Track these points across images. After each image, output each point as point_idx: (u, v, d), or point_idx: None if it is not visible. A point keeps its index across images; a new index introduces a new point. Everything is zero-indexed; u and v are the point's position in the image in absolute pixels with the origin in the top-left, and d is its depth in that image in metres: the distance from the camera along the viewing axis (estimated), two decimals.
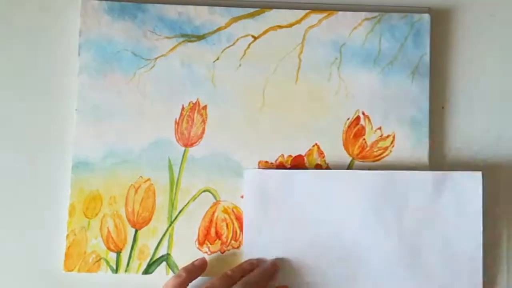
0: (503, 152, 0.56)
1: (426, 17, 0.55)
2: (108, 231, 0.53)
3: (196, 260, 0.52)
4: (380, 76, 0.55)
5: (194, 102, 0.54)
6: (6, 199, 0.54)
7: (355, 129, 0.54)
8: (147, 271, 0.52)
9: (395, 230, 0.53)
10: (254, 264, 0.51)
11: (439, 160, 0.55)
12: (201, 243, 0.53)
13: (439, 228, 0.53)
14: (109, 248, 0.53)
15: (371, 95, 0.55)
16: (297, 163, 0.54)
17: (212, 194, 0.53)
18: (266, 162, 0.54)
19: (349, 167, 0.54)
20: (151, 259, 0.53)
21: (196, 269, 0.51)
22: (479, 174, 0.53)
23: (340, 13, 0.55)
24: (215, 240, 0.53)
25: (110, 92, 0.54)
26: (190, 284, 0.50)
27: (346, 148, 0.54)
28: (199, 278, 0.51)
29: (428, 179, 0.53)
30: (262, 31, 0.55)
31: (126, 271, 0.52)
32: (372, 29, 0.55)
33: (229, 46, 0.55)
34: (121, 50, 0.54)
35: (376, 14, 0.55)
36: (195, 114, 0.54)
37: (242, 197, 0.53)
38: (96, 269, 0.52)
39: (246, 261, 0.52)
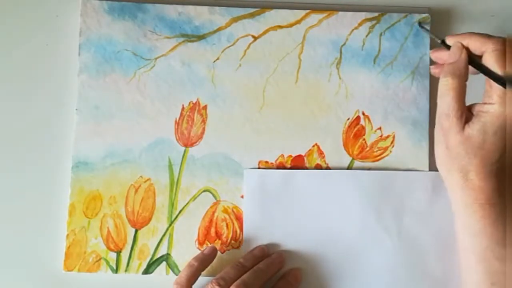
0: None
1: (426, 17, 0.55)
2: (108, 231, 0.53)
3: (205, 249, 0.52)
4: (380, 76, 0.55)
5: (194, 102, 0.54)
6: (6, 199, 0.54)
7: (355, 129, 0.54)
8: (147, 271, 0.53)
9: (395, 230, 0.53)
10: (265, 250, 0.52)
11: None
12: (201, 243, 0.53)
13: (439, 228, 0.53)
14: (109, 248, 0.53)
15: (371, 95, 0.55)
16: (297, 163, 0.54)
17: (212, 194, 0.53)
18: (266, 162, 0.54)
19: (349, 167, 0.54)
20: (151, 259, 0.53)
21: (207, 258, 0.51)
22: None
23: (340, 13, 0.55)
24: (215, 240, 0.53)
25: (110, 92, 0.54)
26: (197, 283, 0.50)
27: (346, 148, 0.54)
28: (201, 278, 0.51)
29: (428, 179, 0.53)
30: (262, 31, 0.55)
31: (126, 271, 0.52)
32: (372, 29, 0.55)
33: (229, 46, 0.55)
34: (121, 50, 0.54)
35: (376, 14, 0.55)
36: (195, 114, 0.54)
37: (242, 197, 0.53)
38: (96, 269, 0.52)
39: (256, 248, 0.52)
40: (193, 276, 0.49)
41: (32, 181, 0.54)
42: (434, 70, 0.52)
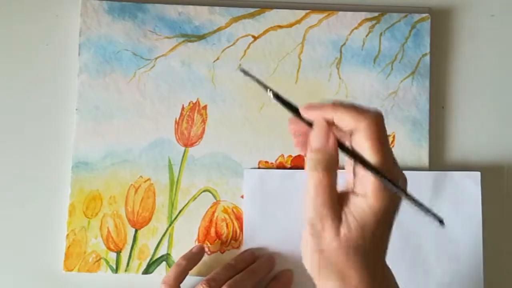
0: (502, 152, 0.56)
1: (426, 17, 0.55)
2: (108, 231, 0.53)
3: (193, 248, 0.52)
4: (380, 76, 0.55)
5: (194, 102, 0.54)
6: (6, 199, 0.54)
7: None
8: (147, 271, 0.53)
9: (395, 230, 0.53)
10: (255, 254, 0.52)
11: (439, 160, 0.55)
12: (201, 243, 0.53)
13: (439, 228, 0.53)
14: (109, 248, 0.53)
15: (371, 95, 0.55)
16: (297, 163, 0.54)
17: (212, 194, 0.53)
18: (266, 162, 0.54)
19: None
20: (151, 259, 0.53)
21: (195, 256, 0.51)
22: (477, 174, 0.53)
23: (340, 13, 0.55)
24: (215, 240, 0.53)
25: (110, 92, 0.54)
26: (188, 284, 0.50)
27: None
28: (194, 278, 0.51)
29: (428, 179, 0.53)
30: (262, 31, 0.55)
31: (126, 271, 0.52)
32: (372, 29, 0.55)
33: (229, 46, 0.55)
34: (121, 50, 0.54)
35: (376, 14, 0.55)
36: (195, 114, 0.54)
37: (242, 197, 0.53)
38: (96, 269, 0.52)
39: (247, 250, 0.52)
40: (181, 275, 0.49)
41: (32, 181, 0.54)
42: (298, 147, 0.41)
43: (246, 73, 0.40)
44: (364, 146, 0.36)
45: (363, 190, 0.37)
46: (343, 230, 0.38)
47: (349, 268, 0.38)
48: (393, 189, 0.36)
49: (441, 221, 0.37)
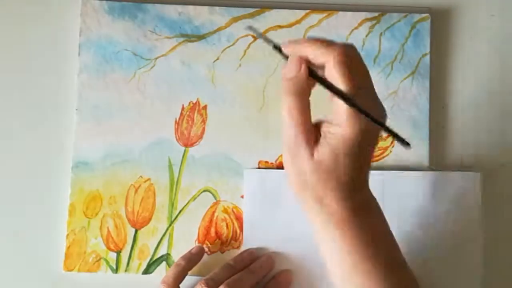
0: (502, 152, 0.56)
1: (426, 17, 0.55)
2: (108, 231, 0.53)
3: (193, 248, 0.52)
4: (380, 76, 0.55)
5: (194, 102, 0.54)
6: (6, 199, 0.54)
7: None
8: (147, 271, 0.53)
9: (395, 230, 0.53)
10: (254, 254, 0.52)
11: (439, 160, 0.55)
12: (201, 243, 0.53)
13: (439, 228, 0.53)
14: (109, 248, 0.53)
15: None
16: None
17: (212, 194, 0.53)
18: (266, 162, 0.54)
19: None
20: (151, 259, 0.53)
21: (194, 257, 0.51)
22: (478, 175, 0.53)
23: (340, 13, 0.55)
24: (215, 240, 0.53)
25: (110, 92, 0.54)
26: (187, 284, 0.50)
27: None
28: (193, 278, 0.51)
29: (428, 179, 0.53)
30: (262, 31, 0.55)
31: (126, 271, 0.53)
32: (372, 29, 0.55)
33: (229, 46, 0.55)
34: (121, 50, 0.54)
35: (376, 14, 0.55)
36: (195, 114, 0.54)
37: (242, 197, 0.53)
38: (96, 269, 0.52)
39: (246, 251, 0.52)
40: (180, 275, 0.49)
41: (32, 181, 0.54)
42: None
43: (251, 28, 0.43)
44: (334, 75, 0.39)
45: (338, 119, 0.39)
46: (316, 153, 0.40)
47: (325, 195, 0.40)
48: (365, 116, 0.38)
49: (407, 144, 0.39)
